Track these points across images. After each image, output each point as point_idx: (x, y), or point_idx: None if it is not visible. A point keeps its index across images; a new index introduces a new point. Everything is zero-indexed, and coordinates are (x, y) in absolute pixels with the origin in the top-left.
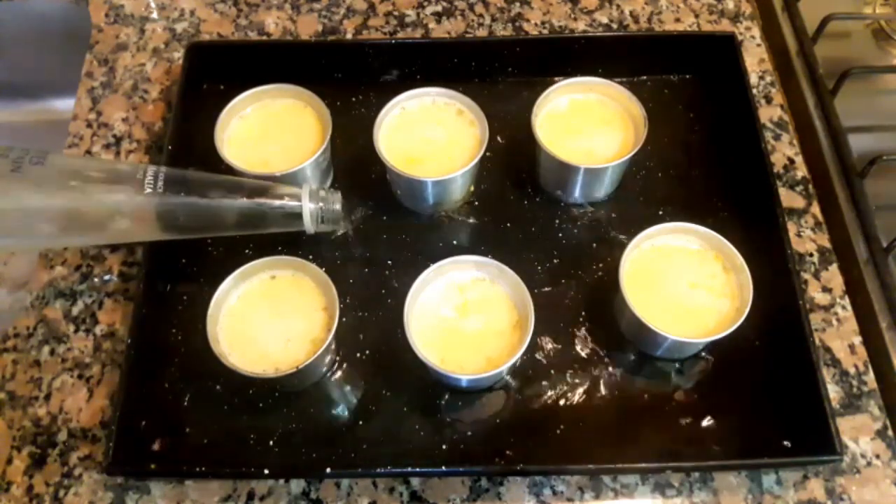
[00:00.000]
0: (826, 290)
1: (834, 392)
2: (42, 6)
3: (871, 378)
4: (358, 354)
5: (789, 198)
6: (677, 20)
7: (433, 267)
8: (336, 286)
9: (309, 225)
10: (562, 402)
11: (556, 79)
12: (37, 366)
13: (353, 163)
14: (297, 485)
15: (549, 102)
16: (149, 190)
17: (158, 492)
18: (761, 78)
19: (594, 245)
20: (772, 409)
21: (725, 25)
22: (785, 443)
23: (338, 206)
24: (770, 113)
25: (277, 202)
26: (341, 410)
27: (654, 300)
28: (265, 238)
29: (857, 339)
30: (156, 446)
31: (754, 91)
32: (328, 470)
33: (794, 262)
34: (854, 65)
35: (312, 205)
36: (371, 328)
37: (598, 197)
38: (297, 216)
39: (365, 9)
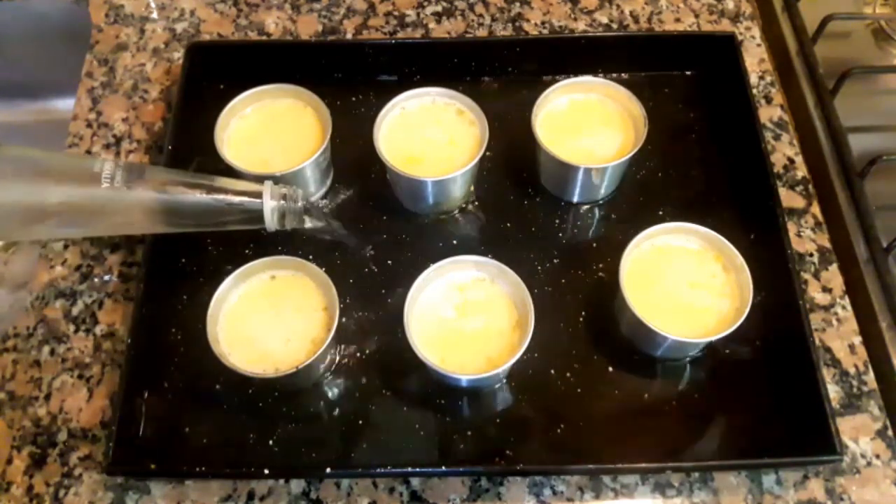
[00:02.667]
0: (826, 290)
1: (834, 392)
2: (42, 6)
3: (871, 378)
4: (358, 354)
5: (789, 198)
6: (677, 20)
7: (433, 267)
8: (336, 286)
9: (270, 223)
10: (562, 402)
11: (556, 79)
12: (37, 366)
13: (353, 163)
14: (297, 485)
15: (549, 102)
16: (106, 185)
17: (158, 492)
18: (761, 78)
19: (594, 245)
20: (772, 409)
21: (725, 25)
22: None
23: (300, 204)
24: (770, 113)
25: (237, 199)
26: (341, 410)
27: (654, 300)
28: (265, 238)
29: (857, 339)
30: (152, 463)
31: (754, 91)
32: (328, 470)
33: (794, 262)
34: (854, 65)
35: (273, 202)
36: (371, 328)
37: (598, 197)
38: (258, 214)
39: (365, 9)
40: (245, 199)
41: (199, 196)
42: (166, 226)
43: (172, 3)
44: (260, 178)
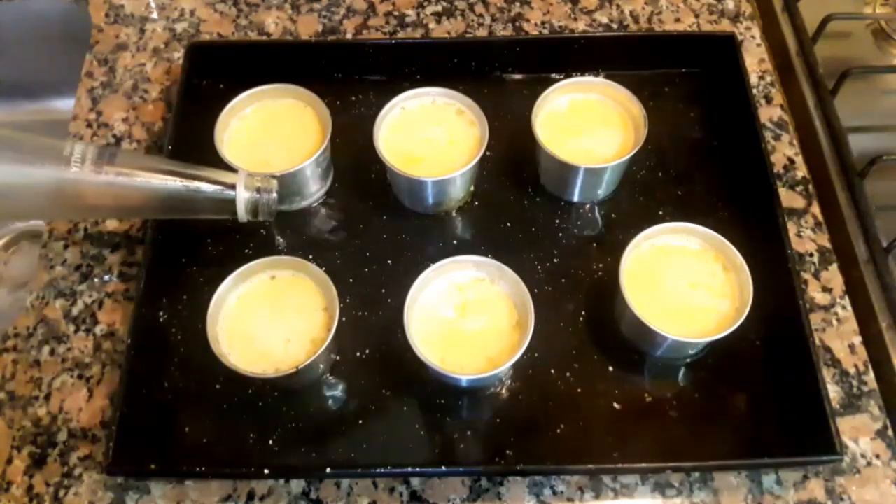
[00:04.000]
0: (826, 290)
1: (834, 392)
2: (42, 6)
3: (871, 378)
4: (358, 354)
5: (789, 198)
6: (677, 20)
7: (433, 267)
8: (336, 286)
9: (242, 215)
10: (562, 402)
11: (556, 79)
12: (37, 366)
13: (353, 163)
14: (297, 485)
15: (549, 102)
16: (75, 168)
17: (158, 492)
18: (761, 78)
19: (594, 245)
20: (772, 409)
21: (725, 25)
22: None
23: (274, 196)
24: (770, 113)
25: (211, 188)
26: (341, 410)
27: (654, 300)
28: (265, 238)
29: (857, 339)
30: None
31: (754, 91)
32: (328, 470)
33: (794, 262)
34: (854, 65)
35: (247, 194)
36: (371, 328)
37: (598, 197)
38: (230, 204)
39: (365, 9)
40: (219, 188)
41: (170, 183)
42: (136, 212)
43: (172, 3)
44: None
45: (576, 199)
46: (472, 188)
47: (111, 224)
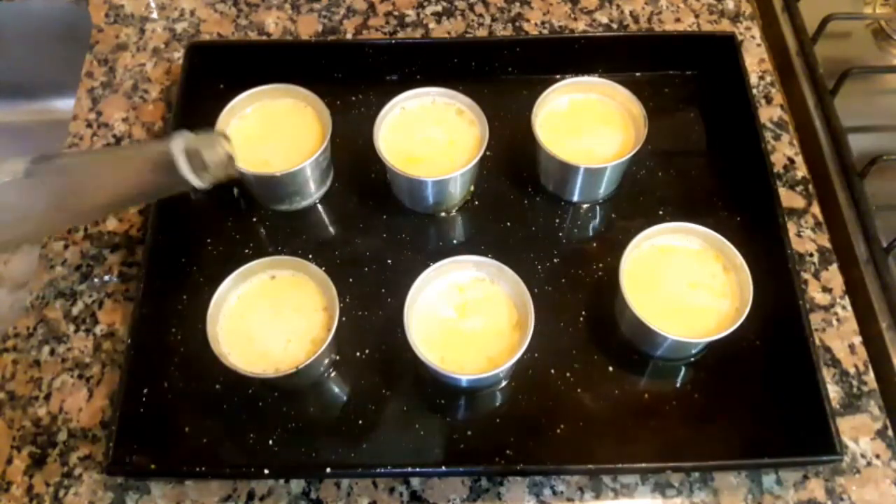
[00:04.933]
0: (826, 290)
1: (834, 392)
2: (42, 6)
3: (871, 378)
4: (358, 354)
5: (789, 198)
6: (677, 20)
7: (433, 267)
8: (336, 286)
9: (186, 171)
10: (562, 402)
11: (556, 79)
12: (37, 366)
13: (353, 163)
14: (297, 485)
15: (549, 102)
16: (6, 180)
17: (158, 492)
18: (761, 78)
19: (594, 245)
20: (772, 409)
21: (725, 25)
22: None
23: (220, 150)
24: (770, 113)
25: (150, 152)
26: (341, 411)
27: (654, 300)
28: (265, 238)
29: (857, 339)
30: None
31: (754, 91)
32: (328, 470)
33: (794, 262)
34: (854, 65)
35: (182, 144)
36: (371, 328)
37: (598, 197)
38: (171, 164)
39: (365, 9)
40: (156, 150)
41: (106, 156)
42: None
43: (172, 3)
44: (261, 178)
45: (576, 199)
46: (472, 188)
47: (111, 224)
